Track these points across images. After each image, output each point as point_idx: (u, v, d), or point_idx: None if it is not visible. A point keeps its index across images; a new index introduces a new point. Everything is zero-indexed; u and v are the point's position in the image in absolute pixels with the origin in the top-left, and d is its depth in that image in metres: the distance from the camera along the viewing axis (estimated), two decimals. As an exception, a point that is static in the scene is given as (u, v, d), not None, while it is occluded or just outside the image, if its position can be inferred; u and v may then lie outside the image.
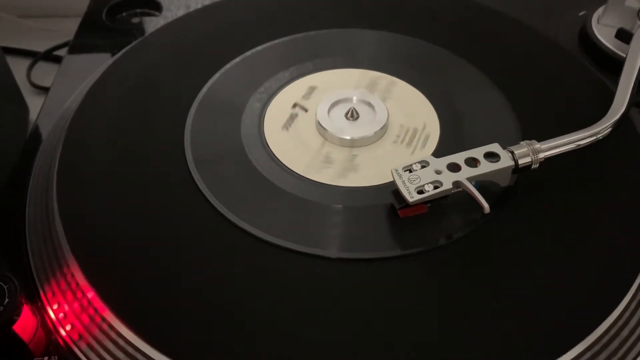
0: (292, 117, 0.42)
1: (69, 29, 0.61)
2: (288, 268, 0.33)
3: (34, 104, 0.57)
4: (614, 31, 0.50)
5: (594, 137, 0.37)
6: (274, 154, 0.40)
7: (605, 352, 0.31)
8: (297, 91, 0.44)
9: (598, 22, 0.52)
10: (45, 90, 0.61)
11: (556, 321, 0.31)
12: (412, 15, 0.52)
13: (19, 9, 0.69)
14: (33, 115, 0.57)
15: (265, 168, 0.39)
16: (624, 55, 0.43)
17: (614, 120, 0.38)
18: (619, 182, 0.38)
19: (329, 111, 0.42)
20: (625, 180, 0.38)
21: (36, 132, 0.46)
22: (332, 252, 0.34)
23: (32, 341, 0.32)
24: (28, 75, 0.63)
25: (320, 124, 0.41)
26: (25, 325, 0.31)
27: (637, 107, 0.45)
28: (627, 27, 0.49)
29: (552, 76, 0.46)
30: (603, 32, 0.51)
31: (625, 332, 0.31)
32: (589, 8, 0.54)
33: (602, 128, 0.37)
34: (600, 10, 0.53)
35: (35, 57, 0.65)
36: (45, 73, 0.64)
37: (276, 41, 0.49)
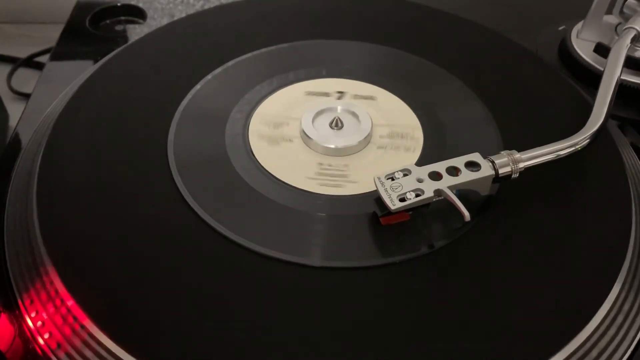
0: (277, 126, 0.42)
1: (50, 35, 0.61)
2: (271, 276, 0.33)
3: (14, 110, 0.56)
4: (593, 45, 0.51)
5: (573, 148, 0.38)
6: (258, 162, 0.40)
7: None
8: (281, 100, 0.44)
9: (577, 36, 0.53)
10: (25, 96, 0.60)
11: (537, 329, 0.31)
12: (396, 28, 0.52)
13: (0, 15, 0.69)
14: (12, 121, 0.56)
15: (249, 176, 0.39)
16: (602, 69, 0.44)
17: (592, 131, 0.39)
18: (596, 191, 0.39)
19: (313, 120, 0.42)
20: (603, 189, 0.39)
21: (16, 139, 0.46)
22: (315, 261, 0.34)
23: (10, 350, 0.31)
24: (8, 82, 0.62)
25: (305, 133, 0.41)
26: (2, 333, 0.31)
27: (614, 120, 0.46)
28: (605, 41, 0.50)
29: (533, 89, 0.46)
30: (582, 47, 0.52)
31: (603, 343, 0.32)
32: (569, 23, 0.56)
33: (580, 139, 0.38)
34: (579, 25, 0.54)
35: (15, 63, 0.64)
36: (25, 79, 0.63)
37: (259, 51, 0.49)
